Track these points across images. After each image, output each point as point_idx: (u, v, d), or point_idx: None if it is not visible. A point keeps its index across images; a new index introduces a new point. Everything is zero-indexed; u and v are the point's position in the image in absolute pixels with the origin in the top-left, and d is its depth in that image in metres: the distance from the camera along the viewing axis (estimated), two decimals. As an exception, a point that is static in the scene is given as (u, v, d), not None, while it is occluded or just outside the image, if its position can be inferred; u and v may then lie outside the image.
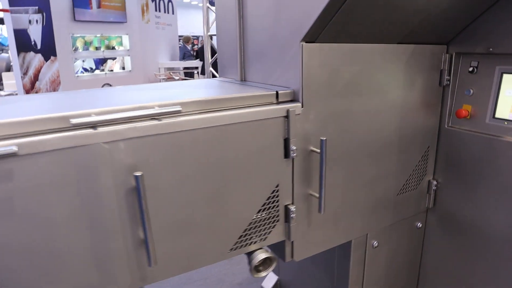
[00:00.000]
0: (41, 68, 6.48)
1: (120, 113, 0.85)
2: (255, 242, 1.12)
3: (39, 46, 6.45)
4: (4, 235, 0.77)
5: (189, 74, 8.23)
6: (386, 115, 1.30)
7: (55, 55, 6.34)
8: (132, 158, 0.87)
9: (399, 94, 1.31)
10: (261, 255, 1.11)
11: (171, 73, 7.52)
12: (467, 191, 1.42)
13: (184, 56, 8.36)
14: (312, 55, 1.08)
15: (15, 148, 0.73)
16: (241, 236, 1.08)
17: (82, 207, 0.84)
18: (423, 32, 1.27)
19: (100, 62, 6.87)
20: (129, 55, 7.10)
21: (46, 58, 6.46)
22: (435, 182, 1.51)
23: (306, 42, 1.07)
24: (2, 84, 9.29)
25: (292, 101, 1.12)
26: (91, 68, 6.76)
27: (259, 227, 1.11)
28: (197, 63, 8.16)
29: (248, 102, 1.06)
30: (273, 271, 1.94)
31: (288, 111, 1.06)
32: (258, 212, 1.10)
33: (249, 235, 1.10)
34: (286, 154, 1.10)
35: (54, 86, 6.45)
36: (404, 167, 1.41)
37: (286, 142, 1.09)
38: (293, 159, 1.11)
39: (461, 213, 1.45)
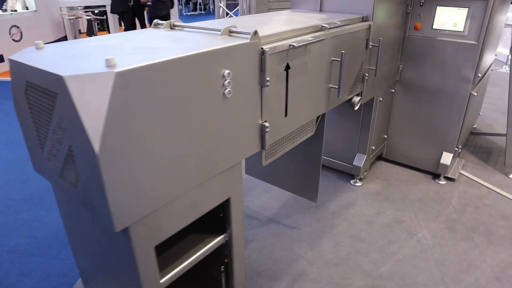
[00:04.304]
0: None
1: (336, 24, 1.85)
2: (351, 93, 2.28)
3: None
4: (297, 84, 1.73)
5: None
6: (389, 27, 2.54)
7: None
8: (334, 46, 1.89)
9: (392, 17, 2.55)
10: (357, 98, 2.29)
11: (79, 13, 7.22)
12: (417, 69, 2.82)
13: (84, -6, 7.94)
14: (376, -4, 2.21)
15: (324, 37, 1.70)
16: (350, 89, 2.22)
17: (319, 69, 1.84)
18: (406, -16, 2.51)
19: (1, 1, 6.19)
20: (31, -7, 6.55)
21: None
22: (401, 66, 2.87)
23: (375, -10, 2.18)
24: None
25: (366, 20, 2.24)
26: (-7, 8, 6.08)
27: (354, 84, 2.26)
28: (102, 1, 7.90)
29: (351, 21, 2.13)
30: (307, 135, 3.12)
31: (370, 25, 2.19)
32: (355, 76, 2.24)
33: (351, 89, 2.25)
34: (366, 46, 2.24)
35: (-45, 29, 5.69)
36: (393, 57, 2.72)
37: (367, 40, 2.23)
38: (369, 49, 2.27)
39: (413, 81, 2.87)
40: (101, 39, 1.42)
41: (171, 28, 1.63)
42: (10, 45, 6.16)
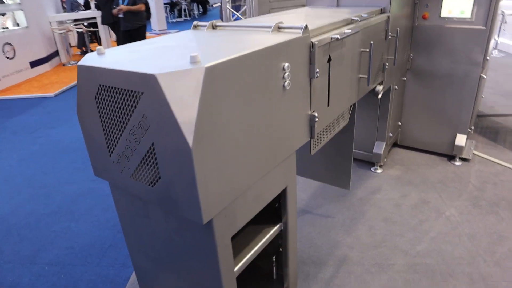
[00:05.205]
0: None
1: (363, 16, 1.94)
2: (374, 82, 2.37)
3: None
4: (336, 75, 1.80)
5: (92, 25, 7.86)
6: (401, 18, 2.64)
7: None
8: (362, 37, 1.98)
9: (403, 8, 2.66)
10: (380, 87, 2.38)
11: (70, 26, 7.17)
12: (426, 56, 2.94)
13: (72, 7, 7.87)
14: (391, -12, 2.31)
15: (358, 30, 1.78)
16: (374, 79, 2.31)
17: (351, 60, 1.92)
18: (415, -25, 2.63)
19: (-9, 19, 6.12)
20: (21, 9, 6.47)
21: None
22: (411, 55, 2.99)
23: (390, -18, 2.28)
24: None
25: (383, 12, 2.33)
26: (-16, 26, 6.00)
27: (377, 74, 2.35)
28: (93, 13, 7.84)
29: (373, 14, 2.23)
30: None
31: (388, 17, 2.29)
32: (378, 66, 2.33)
33: (375, 78, 2.34)
34: (386, 37, 2.34)
35: None
36: (404, 47, 2.82)
37: (386, 31, 2.32)
38: (388, 39, 2.36)
39: (424, 68, 2.98)
40: (157, 41, 1.47)
41: (213, 28, 1.69)
42: (4, 63, 6.09)
